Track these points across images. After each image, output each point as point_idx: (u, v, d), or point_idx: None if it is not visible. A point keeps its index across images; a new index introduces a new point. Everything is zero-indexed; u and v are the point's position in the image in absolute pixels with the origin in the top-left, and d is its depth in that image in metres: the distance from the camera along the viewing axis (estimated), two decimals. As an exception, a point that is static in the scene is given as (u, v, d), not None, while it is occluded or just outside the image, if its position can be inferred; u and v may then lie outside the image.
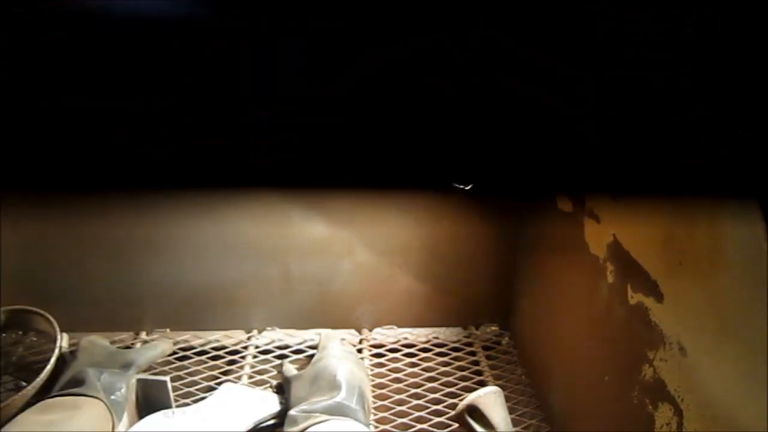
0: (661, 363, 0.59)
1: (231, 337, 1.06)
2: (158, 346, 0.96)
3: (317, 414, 0.77)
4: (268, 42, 0.37)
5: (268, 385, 0.94)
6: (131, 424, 0.81)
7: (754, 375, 0.45)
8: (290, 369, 0.92)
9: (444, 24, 0.37)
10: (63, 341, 0.91)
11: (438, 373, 0.99)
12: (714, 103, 0.40)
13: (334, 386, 0.82)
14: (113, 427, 0.77)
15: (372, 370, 0.98)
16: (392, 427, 0.87)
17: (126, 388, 0.83)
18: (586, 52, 0.39)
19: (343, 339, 1.02)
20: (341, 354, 0.92)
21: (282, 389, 0.90)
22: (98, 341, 0.94)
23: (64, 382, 0.83)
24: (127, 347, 0.99)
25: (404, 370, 1.00)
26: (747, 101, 0.39)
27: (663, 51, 0.38)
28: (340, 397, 0.81)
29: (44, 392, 0.83)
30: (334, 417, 0.77)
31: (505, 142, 0.42)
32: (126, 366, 0.86)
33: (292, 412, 0.79)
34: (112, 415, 0.78)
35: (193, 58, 0.38)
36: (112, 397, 0.80)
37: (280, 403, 0.87)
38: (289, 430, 0.76)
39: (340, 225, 1.04)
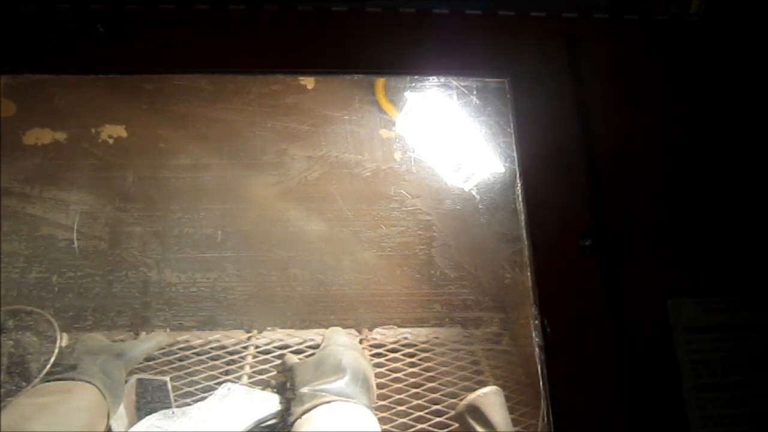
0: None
1: (231, 337, 1.05)
2: (154, 338, 0.97)
3: (323, 394, 0.77)
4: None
5: (268, 385, 0.94)
6: (131, 424, 0.81)
7: None
8: (293, 357, 0.92)
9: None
10: (63, 341, 0.91)
11: (438, 373, 0.98)
12: None
13: (338, 370, 0.82)
14: (108, 412, 0.77)
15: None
16: (392, 427, 0.87)
17: (121, 374, 0.82)
18: None
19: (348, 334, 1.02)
20: (346, 343, 0.92)
21: (282, 386, 0.90)
22: (95, 337, 0.94)
23: (59, 369, 0.83)
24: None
25: (404, 370, 0.99)
26: None
27: None
28: (345, 380, 0.80)
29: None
30: (339, 398, 0.76)
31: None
32: (120, 355, 0.86)
33: (303, 389, 0.78)
34: (106, 399, 0.78)
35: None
36: (108, 380, 0.80)
37: (281, 402, 0.87)
38: (295, 409, 0.76)
39: (340, 225, 1.04)
